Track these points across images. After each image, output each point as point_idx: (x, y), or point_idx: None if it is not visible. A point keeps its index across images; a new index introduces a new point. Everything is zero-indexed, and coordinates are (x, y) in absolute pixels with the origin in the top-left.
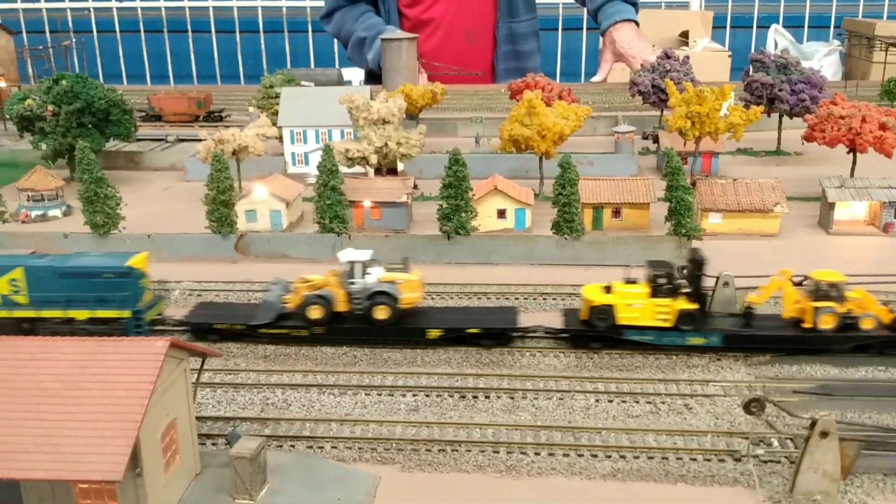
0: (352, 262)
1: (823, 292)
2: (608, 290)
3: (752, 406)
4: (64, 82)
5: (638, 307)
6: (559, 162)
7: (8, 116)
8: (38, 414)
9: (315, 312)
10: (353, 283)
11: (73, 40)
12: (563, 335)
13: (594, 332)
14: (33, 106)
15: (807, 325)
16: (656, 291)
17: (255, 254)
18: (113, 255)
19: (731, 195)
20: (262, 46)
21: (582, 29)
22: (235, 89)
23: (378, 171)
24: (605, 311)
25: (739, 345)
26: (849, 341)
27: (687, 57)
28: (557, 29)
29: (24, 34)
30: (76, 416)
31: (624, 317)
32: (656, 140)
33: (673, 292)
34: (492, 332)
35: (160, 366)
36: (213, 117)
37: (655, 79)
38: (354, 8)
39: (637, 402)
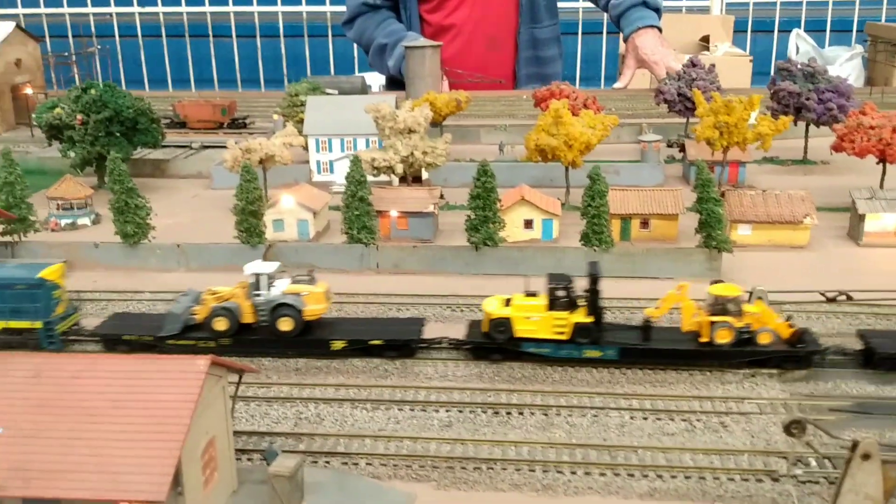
0: (257, 275)
1: (721, 307)
2: (508, 303)
3: (793, 428)
4: (93, 91)
5: (536, 320)
6: (588, 173)
7: (37, 125)
8: (82, 433)
9: (220, 324)
10: (258, 295)
11: (98, 47)
12: (466, 346)
13: (493, 344)
14: (62, 115)
15: (704, 340)
16: (554, 304)
17: (284, 264)
18: (28, 265)
19: (760, 206)
20: (283, 51)
21: (602, 33)
22: (258, 95)
23: (403, 180)
24: (504, 324)
25: (636, 358)
26: (745, 356)
27: (713, 65)
28: (577, 33)
29: (48, 39)
30: (120, 436)
31: (521, 329)
32: (682, 149)
33: (570, 305)
34: (395, 343)
35: (201, 384)
36: (237, 124)
37: (681, 87)
38: (376, 14)
39: (672, 420)
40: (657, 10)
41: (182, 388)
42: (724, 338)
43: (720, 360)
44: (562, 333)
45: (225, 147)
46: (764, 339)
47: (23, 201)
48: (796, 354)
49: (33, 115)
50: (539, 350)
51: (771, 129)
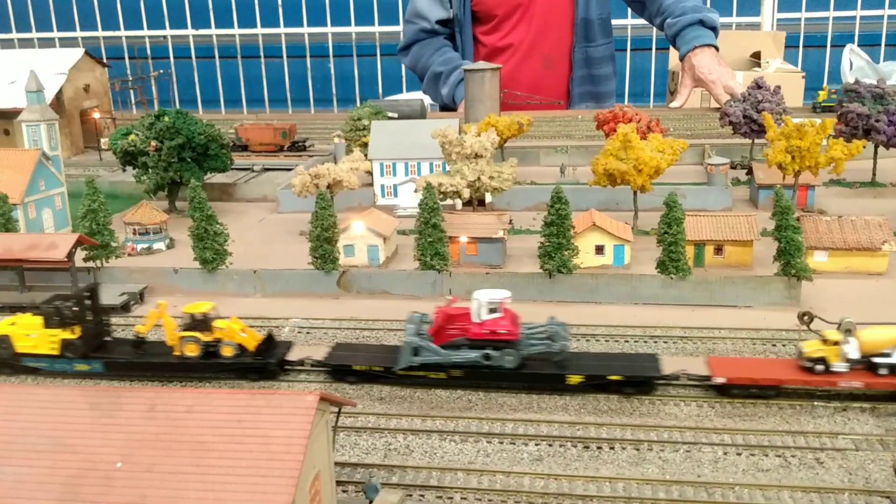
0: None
1: (191, 323)
2: (13, 324)
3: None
4: (166, 118)
5: (35, 337)
6: (665, 199)
7: (112, 151)
8: (197, 467)
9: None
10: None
11: (160, 71)
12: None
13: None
14: (137, 141)
15: (177, 353)
16: (49, 322)
17: (357, 290)
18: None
19: (836, 232)
20: (332, 72)
21: (650, 49)
22: (314, 117)
23: (468, 204)
24: (4, 341)
25: (121, 371)
26: (211, 368)
27: (778, 87)
28: (626, 49)
29: (105, 61)
30: (236, 471)
31: (22, 346)
32: (750, 171)
33: (65, 323)
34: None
35: (312, 420)
36: (297, 147)
37: (747, 109)
38: (433, 41)
39: (766, 456)
40: (714, 29)
41: (293, 424)
42: (192, 351)
43: (190, 373)
44: (55, 349)
45: (286, 170)
46: (226, 352)
47: (105, 228)
48: (258, 365)
49: (103, 140)
50: (38, 364)
51: (844, 154)
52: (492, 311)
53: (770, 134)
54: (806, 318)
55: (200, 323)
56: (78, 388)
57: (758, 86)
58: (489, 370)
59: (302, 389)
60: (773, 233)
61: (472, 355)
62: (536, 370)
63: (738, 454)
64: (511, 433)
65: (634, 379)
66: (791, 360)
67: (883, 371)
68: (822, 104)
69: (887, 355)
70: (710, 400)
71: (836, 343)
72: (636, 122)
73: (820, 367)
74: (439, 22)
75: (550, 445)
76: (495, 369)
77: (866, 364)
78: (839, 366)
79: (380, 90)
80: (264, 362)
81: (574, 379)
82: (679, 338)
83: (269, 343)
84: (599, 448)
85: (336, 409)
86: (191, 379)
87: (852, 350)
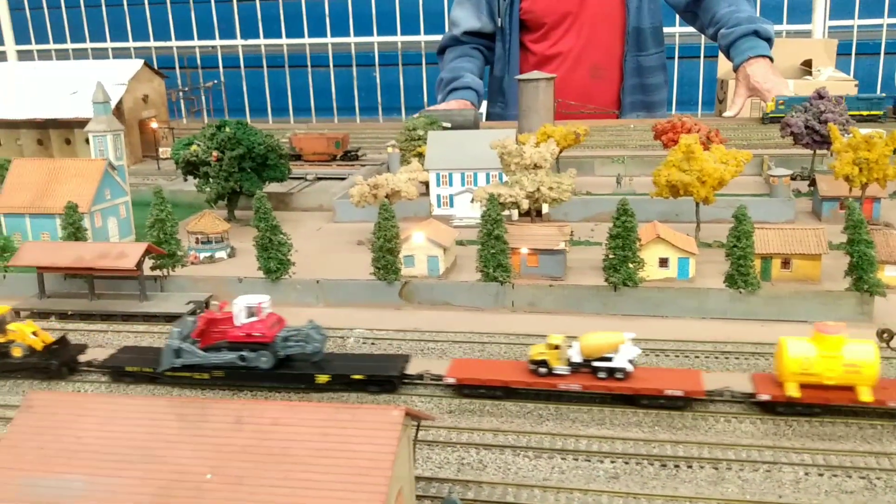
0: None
1: None
2: None
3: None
4: (227, 129)
5: None
6: (734, 213)
7: (174, 161)
8: (286, 480)
9: None
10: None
11: (216, 81)
12: None
13: None
14: (199, 151)
15: None
16: None
17: (419, 301)
18: None
19: None
20: (378, 81)
21: (699, 58)
22: (364, 126)
23: (526, 214)
24: None
25: None
26: (3, 367)
27: (841, 97)
28: (674, 58)
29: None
30: (324, 486)
31: None
32: (812, 183)
33: None
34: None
35: (398, 435)
36: (350, 156)
37: (809, 119)
38: (458, 49)
39: (849, 477)
40: (769, 40)
41: (380, 439)
42: None
43: None
44: None
45: (338, 179)
46: (16, 353)
47: (172, 237)
48: (43, 365)
49: (161, 149)
50: None
51: None
52: (250, 315)
53: (836, 145)
54: (885, 335)
55: None
56: (166, 398)
57: (820, 96)
58: (246, 370)
59: (82, 391)
60: (843, 246)
61: (230, 357)
62: (289, 370)
63: (820, 475)
64: (585, 449)
65: (376, 378)
66: (522, 362)
67: (602, 374)
68: (770, 115)
69: (608, 359)
70: (787, 418)
71: (556, 347)
72: (695, 133)
73: (543, 370)
74: (471, 32)
75: (626, 463)
76: (252, 369)
77: (588, 368)
78: (560, 369)
79: (424, 99)
80: (48, 363)
81: (322, 378)
82: (751, 354)
83: (62, 345)
84: (677, 466)
85: (416, 423)
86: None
87: (575, 354)
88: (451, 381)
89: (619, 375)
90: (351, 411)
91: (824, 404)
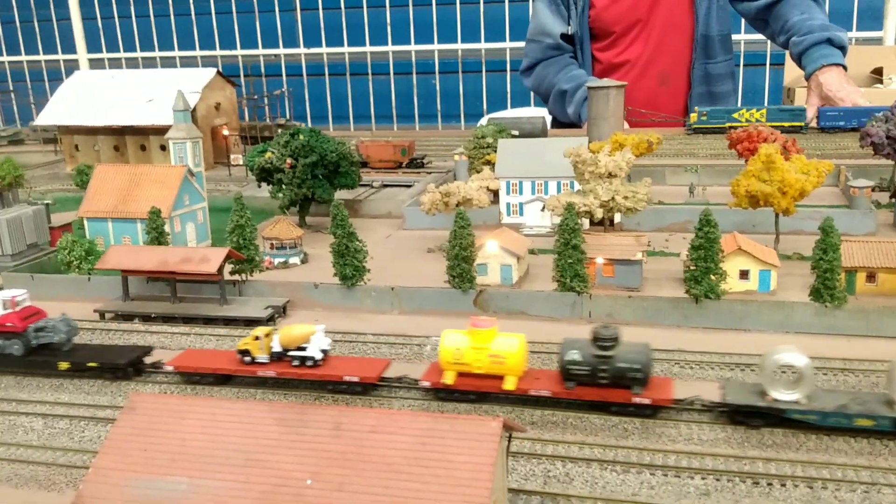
0: None
1: None
2: None
3: None
4: (301, 136)
5: None
6: (821, 224)
7: (248, 167)
8: (386, 489)
9: None
10: None
11: (288, 89)
12: None
13: None
14: (273, 158)
15: None
16: None
17: (494, 310)
18: None
19: None
20: (437, 88)
21: (764, 65)
22: (427, 133)
23: (600, 224)
24: None
25: None
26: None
27: None
28: (739, 65)
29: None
30: (424, 496)
31: None
32: (894, 194)
33: None
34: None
35: (497, 447)
36: (416, 164)
37: (891, 129)
38: (558, 59)
39: None
40: (842, 48)
41: (480, 451)
42: None
43: None
44: None
45: (405, 186)
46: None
47: (251, 243)
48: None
49: (232, 156)
50: None
51: None
52: (5, 307)
53: None
54: None
55: None
56: (266, 402)
57: None
58: (2, 356)
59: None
60: None
61: None
62: (37, 357)
63: None
64: (674, 465)
65: (107, 366)
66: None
67: (295, 363)
68: (694, 126)
69: (302, 349)
70: (885, 436)
71: (257, 338)
72: (771, 142)
73: (248, 359)
74: (563, 37)
75: (718, 480)
76: (7, 356)
77: (287, 357)
78: (261, 357)
79: (484, 106)
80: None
81: (63, 365)
82: (840, 370)
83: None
84: (770, 485)
85: (508, 434)
86: None
87: (276, 344)
88: (170, 369)
89: (309, 363)
90: (450, 421)
91: (476, 391)
